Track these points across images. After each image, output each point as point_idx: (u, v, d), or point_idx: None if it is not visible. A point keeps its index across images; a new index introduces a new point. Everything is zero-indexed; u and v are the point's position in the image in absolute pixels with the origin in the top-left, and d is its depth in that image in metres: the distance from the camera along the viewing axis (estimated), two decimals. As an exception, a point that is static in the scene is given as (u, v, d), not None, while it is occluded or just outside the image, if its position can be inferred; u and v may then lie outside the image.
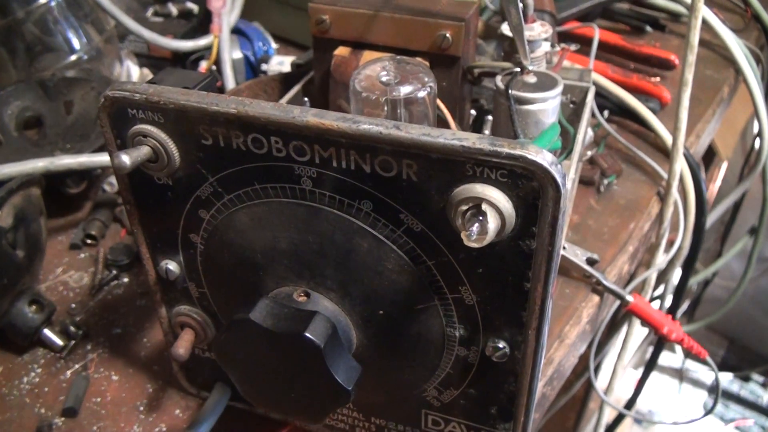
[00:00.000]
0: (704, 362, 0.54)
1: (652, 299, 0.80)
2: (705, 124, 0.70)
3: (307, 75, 0.54)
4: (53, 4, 0.62)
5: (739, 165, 1.22)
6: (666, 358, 1.45)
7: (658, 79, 0.73)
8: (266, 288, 0.36)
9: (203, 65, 0.65)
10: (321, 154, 0.32)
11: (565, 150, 0.47)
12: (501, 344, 0.34)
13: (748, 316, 1.50)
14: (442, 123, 0.47)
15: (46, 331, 0.49)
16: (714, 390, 1.47)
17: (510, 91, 0.45)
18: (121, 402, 0.47)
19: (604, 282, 0.52)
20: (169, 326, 0.44)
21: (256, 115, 0.32)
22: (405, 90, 0.40)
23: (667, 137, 0.62)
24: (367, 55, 0.49)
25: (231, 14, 0.69)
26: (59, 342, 0.49)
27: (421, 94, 0.40)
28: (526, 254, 0.30)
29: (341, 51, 0.50)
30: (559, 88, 0.46)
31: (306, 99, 0.48)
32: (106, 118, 0.35)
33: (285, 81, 0.55)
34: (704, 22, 0.75)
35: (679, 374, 1.44)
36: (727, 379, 1.51)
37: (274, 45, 0.71)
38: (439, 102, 0.47)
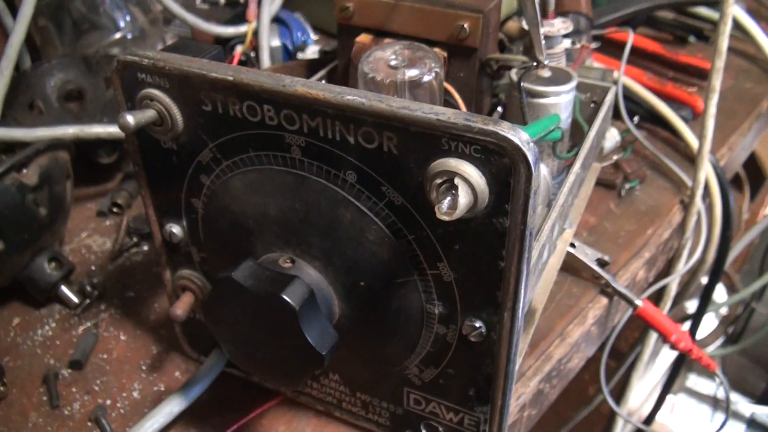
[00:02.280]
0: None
1: (683, 319, 0.78)
2: (739, 137, 0.68)
3: (333, 62, 0.56)
4: (101, -17, 0.65)
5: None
6: (702, 385, 1.41)
7: (695, 89, 0.72)
8: (257, 254, 0.37)
9: (239, 49, 0.67)
10: (309, 123, 0.33)
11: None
12: (477, 324, 0.34)
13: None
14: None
15: (63, 288, 0.52)
16: (753, 423, 1.42)
17: (522, 84, 0.45)
18: (125, 360, 0.49)
19: (613, 284, 0.51)
20: (172, 289, 0.45)
21: (250, 83, 0.33)
22: (411, 73, 0.41)
23: (696, 145, 0.61)
24: (389, 42, 0.50)
25: (273, 3, 0.71)
26: (75, 299, 0.52)
27: (426, 78, 0.41)
28: (500, 232, 0.31)
29: (363, 38, 0.51)
30: (573, 84, 0.46)
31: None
32: (118, 81, 0.37)
33: (311, 67, 0.57)
34: (747, 33, 0.74)
35: (714, 402, 1.40)
36: (765, 412, 1.45)
37: (313, 36, 0.72)
38: (452, 90, 0.48)
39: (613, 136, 0.61)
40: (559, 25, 0.49)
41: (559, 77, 0.46)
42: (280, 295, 0.32)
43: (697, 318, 0.67)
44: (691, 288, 0.70)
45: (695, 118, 0.67)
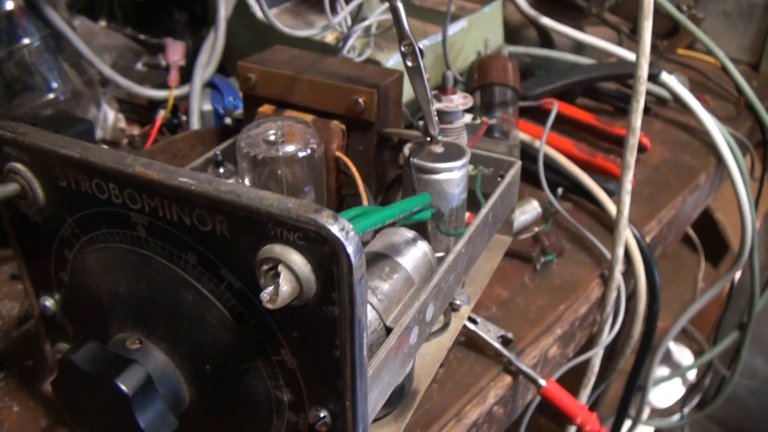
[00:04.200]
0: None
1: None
2: (671, 210, 0.68)
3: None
4: (35, 45, 0.66)
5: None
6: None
7: (627, 161, 0.72)
8: (111, 333, 0.37)
9: (161, 114, 0.67)
10: (149, 203, 0.32)
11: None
12: (322, 413, 0.33)
13: (762, 415, 1.41)
14: (353, 184, 0.47)
15: (-40, 356, 0.50)
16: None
17: (412, 160, 0.45)
18: (14, 434, 0.47)
19: (516, 362, 0.50)
20: (53, 362, 0.44)
21: (94, 161, 0.33)
22: (286, 149, 0.41)
23: (618, 220, 0.61)
24: (289, 114, 0.50)
25: (206, 69, 0.71)
26: (-28, 367, 0.51)
27: (302, 154, 0.41)
28: (331, 321, 0.30)
29: (265, 108, 0.51)
30: (464, 160, 0.45)
31: (218, 152, 0.49)
32: (-11, 154, 0.37)
33: (222, 134, 0.57)
34: (685, 106, 0.74)
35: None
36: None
37: (247, 100, 0.73)
38: (350, 163, 0.47)
39: (533, 208, 0.61)
40: (458, 101, 0.49)
41: (452, 153, 0.46)
42: (114, 380, 0.31)
43: (625, 399, 0.65)
44: (618, 365, 0.68)
45: (623, 191, 0.67)
